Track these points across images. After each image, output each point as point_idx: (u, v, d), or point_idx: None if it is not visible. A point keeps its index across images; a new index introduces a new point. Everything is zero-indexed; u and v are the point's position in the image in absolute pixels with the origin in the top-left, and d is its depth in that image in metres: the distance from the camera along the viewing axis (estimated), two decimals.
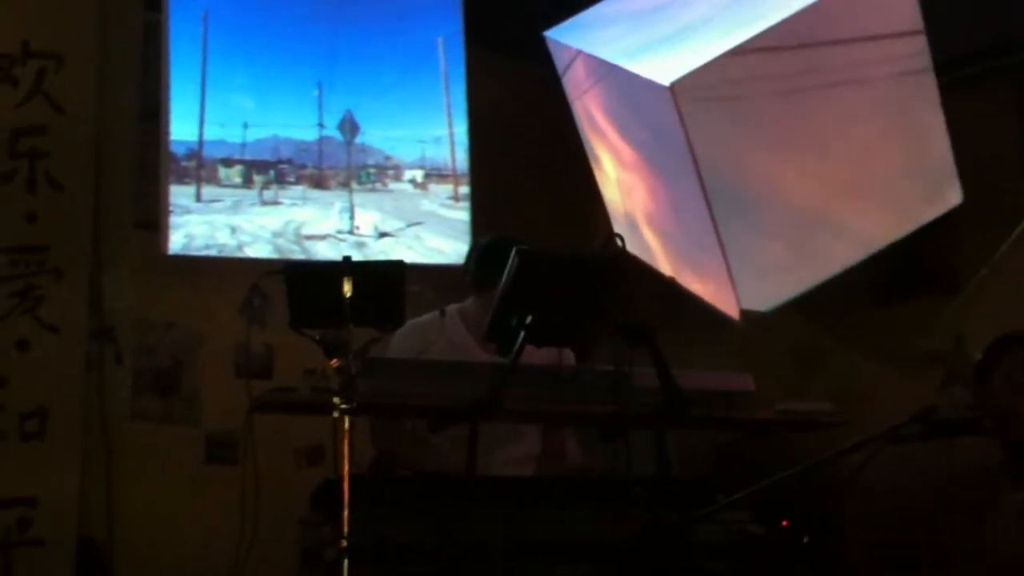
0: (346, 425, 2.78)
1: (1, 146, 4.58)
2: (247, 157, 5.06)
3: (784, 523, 2.87)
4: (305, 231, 5.05)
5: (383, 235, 5.14)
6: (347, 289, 2.91)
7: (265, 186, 5.07)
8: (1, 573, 4.38)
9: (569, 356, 3.53)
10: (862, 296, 4.58)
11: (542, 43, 4.97)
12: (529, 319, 2.92)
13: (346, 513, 2.70)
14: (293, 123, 5.14)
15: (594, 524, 3.00)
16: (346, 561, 2.69)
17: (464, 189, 5.23)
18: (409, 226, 5.19)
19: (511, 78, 5.53)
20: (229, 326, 4.90)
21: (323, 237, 5.08)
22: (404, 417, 3.56)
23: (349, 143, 5.19)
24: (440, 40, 5.28)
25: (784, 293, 4.30)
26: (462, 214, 5.21)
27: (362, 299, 2.92)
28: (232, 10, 5.11)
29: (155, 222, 4.91)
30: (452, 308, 3.69)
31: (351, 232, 5.11)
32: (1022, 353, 3.33)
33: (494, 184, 5.30)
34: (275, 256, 4.92)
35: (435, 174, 5.26)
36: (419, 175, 5.25)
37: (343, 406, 2.77)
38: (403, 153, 5.24)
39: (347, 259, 3.05)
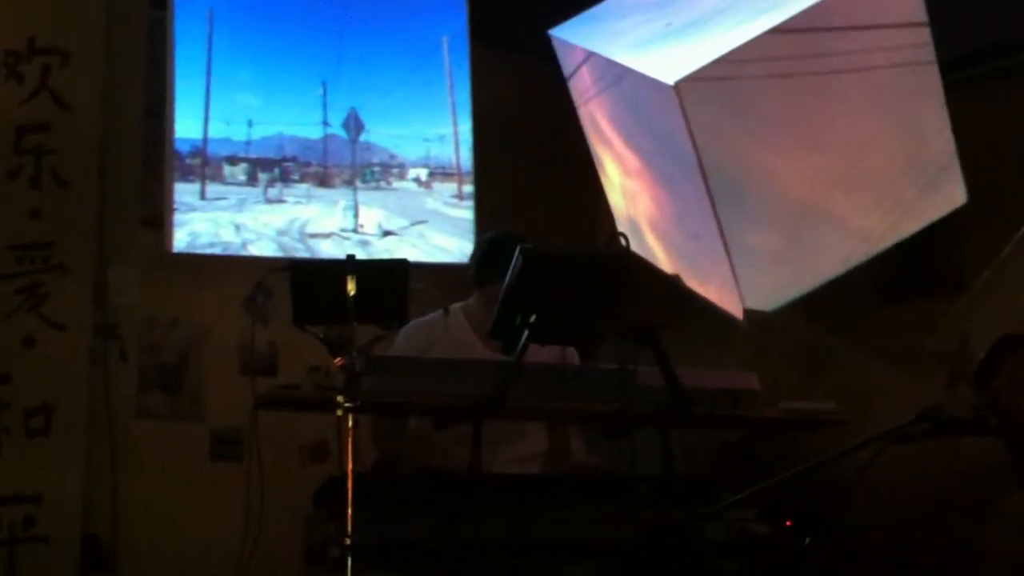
0: (350, 423, 2.78)
1: (6, 142, 4.58)
2: (252, 155, 5.06)
3: (788, 522, 2.87)
4: (309, 229, 5.06)
5: (387, 233, 5.14)
6: (351, 287, 2.91)
7: (269, 184, 5.07)
8: (6, 570, 4.38)
9: (573, 355, 3.53)
10: (867, 296, 4.58)
11: (547, 42, 4.97)
12: (533, 318, 2.92)
13: (350, 510, 2.70)
14: (298, 121, 5.14)
15: (598, 522, 3.00)
16: (350, 558, 2.69)
17: (468, 188, 5.23)
18: (413, 224, 5.19)
19: (516, 77, 5.54)
20: (233, 323, 4.91)
21: (327, 235, 5.08)
22: (408, 415, 3.56)
23: (353, 141, 5.20)
24: (445, 39, 5.28)
25: (788, 292, 4.30)
26: (466, 212, 5.22)
27: (366, 297, 2.92)
28: (237, 8, 5.12)
29: (160, 219, 4.91)
30: (456, 306, 3.69)
31: (355, 230, 5.12)
32: None
33: (498, 183, 5.30)
34: (279, 254, 4.92)
35: (439, 172, 5.26)
36: (423, 173, 5.25)
37: (347, 404, 2.78)
38: (407, 151, 5.25)
39: (351, 257, 3.06)
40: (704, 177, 4.13)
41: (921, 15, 4.08)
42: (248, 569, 3.24)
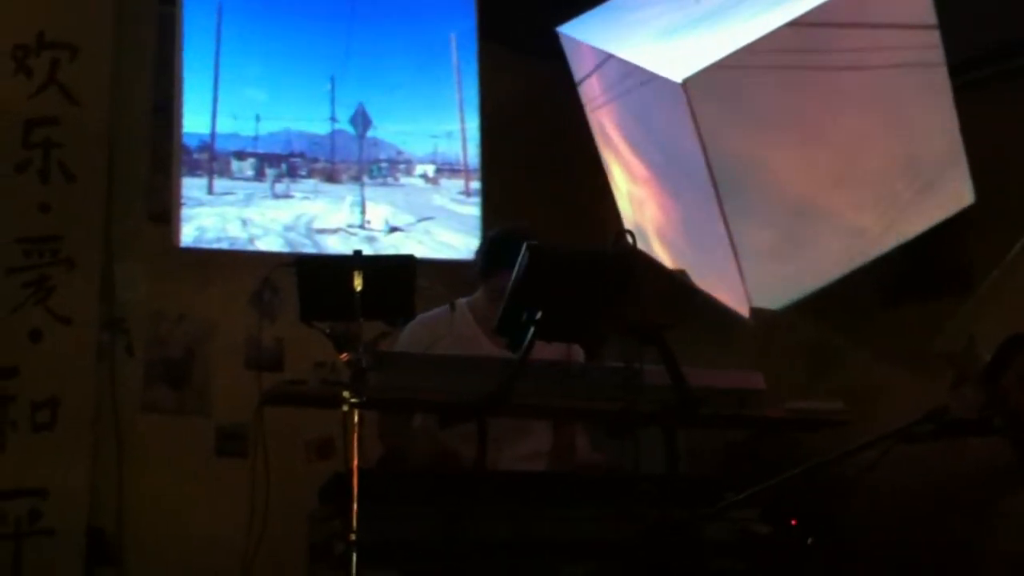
0: (356, 419, 2.78)
1: (15, 136, 4.59)
2: (259, 150, 5.07)
3: (793, 522, 2.87)
4: (316, 225, 5.06)
5: (394, 229, 5.15)
6: (358, 283, 2.91)
7: (277, 179, 5.07)
8: (11, 564, 4.39)
9: (578, 352, 3.53)
10: (873, 296, 4.58)
11: (555, 39, 4.97)
12: (539, 315, 2.92)
13: (355, 507, 2.70)
14: (305, 117, 5.14)
15: (601, 521, 3.00)
16: (355, 555, 2.69)
17: (475, 184, 5.24)
18: (420, 221, 5.19)
19: (524, 74, 5.53)
20: (240, 319, 4.91)
21: (334, 231, 5.08)
22: (414, 412, 3.56)
23: (361, 137, 5.20)
24: (453, 36, 5.28)
25: (795, 292, 4.30)
26: (473, 209, 5.22)
27: (373, 293, 2.92)
28: (246, 4, 5.12)
29: (167, 214, 4.92)
30: (462, 302, 3.68)
31: (362, 226, 5.12)
32: None
33: (505, 180, 5.30)
34: (286, 249, 4.92)
35: (446, 169, 5.26)
36: (430, 170, 5.25)
37: (353, 400, 2.78)
38: (415, 148, 5.25)
39: (358, 253, 3.06)
40: (712, 174, 4.13)
41: (931, 17, 4.08)
42: (253, 564, 3.25)
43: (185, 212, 4.89)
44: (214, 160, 4.98)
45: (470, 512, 2.91)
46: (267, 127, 5.08)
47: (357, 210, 5.13)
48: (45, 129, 4.62)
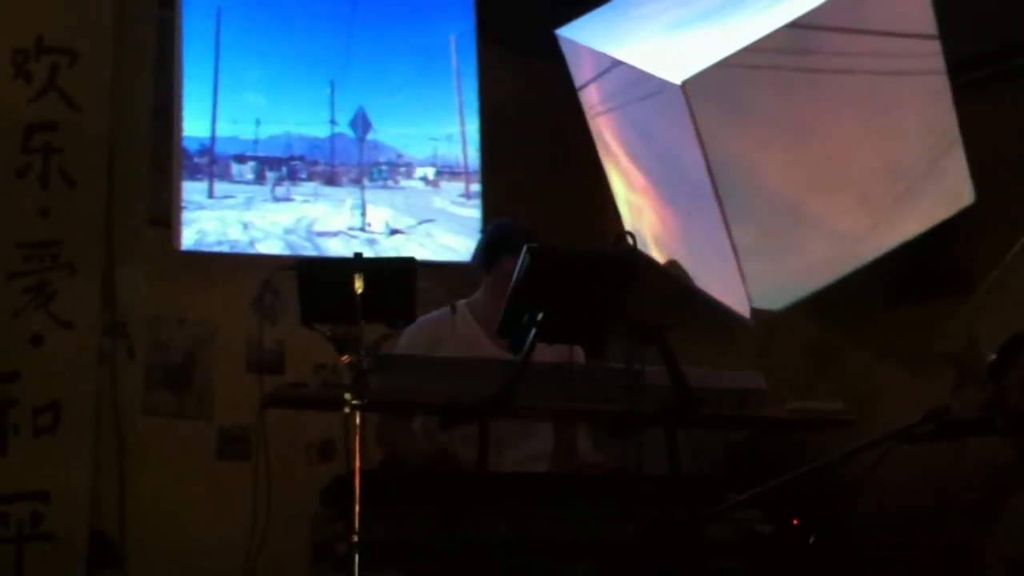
0: (357, 421, 2.78)
1: (15, 141, 4.59)
2: (259, 154, 5.07)
3: (795, 522, 2.87)
4: (317, 228, 5.06)
5: (394, 232, 5.15)
6: (359, 285, 2.92)
7: (277, 183, 5.08)
8: (13, 567, 4.39)
9: (579, 354, 3.53)
10: (873, 296, 4.58)
11: (554, 41, 4.97)
12: (540, 316, 2.93)
13: (357, 508, 2.71)
14: (305, 120, 5.15)
15: (603, 522, 3.00)
16: (357, 556, 2.69)
17: (475, 187, 5.24)
18: (420, 223, 5.20)
19: (523, 76, 5.54)
20: (241, 321, 4.92)
21: (335, 234, 5.09)
22: (415, 414, 3.56)
23: (361, 140, 5.20)
24: (452, 38, 5.29)
25: (795, 292, 4.30)
26: (473, 212, 5.22)
27: (373, 295, 2.92)
28: (245, 7, 5.13)
29: (168, 218, 4.92)
30: (462, 303, 3.69)
31: (362, 229, 5.12)
32: None
33: (505, 182, 5.30)
34: (287, 252, 4.93)
35: (447, 171, 5.27)
36: (431, 172, 5.26)
37: (354, 402, 2.78)
38: (415, 150, 5.26)
39: (358, 255, 3.06)
40: (712, 176, 4.12)
41: (931, 24, 4.08)
42: (255, 567, 3.25)
43: (186, 216, 4.90)
44: (214, 164, 4.99)
45: (471, 512, 2.91)
46: (267, 131, 5.08)
47: (358, 213, 5.14)
48: (45, 134, 4.62)
